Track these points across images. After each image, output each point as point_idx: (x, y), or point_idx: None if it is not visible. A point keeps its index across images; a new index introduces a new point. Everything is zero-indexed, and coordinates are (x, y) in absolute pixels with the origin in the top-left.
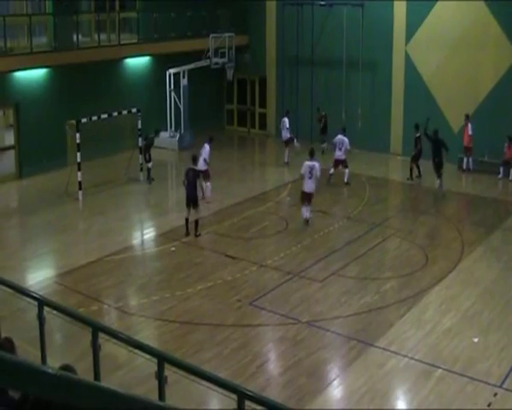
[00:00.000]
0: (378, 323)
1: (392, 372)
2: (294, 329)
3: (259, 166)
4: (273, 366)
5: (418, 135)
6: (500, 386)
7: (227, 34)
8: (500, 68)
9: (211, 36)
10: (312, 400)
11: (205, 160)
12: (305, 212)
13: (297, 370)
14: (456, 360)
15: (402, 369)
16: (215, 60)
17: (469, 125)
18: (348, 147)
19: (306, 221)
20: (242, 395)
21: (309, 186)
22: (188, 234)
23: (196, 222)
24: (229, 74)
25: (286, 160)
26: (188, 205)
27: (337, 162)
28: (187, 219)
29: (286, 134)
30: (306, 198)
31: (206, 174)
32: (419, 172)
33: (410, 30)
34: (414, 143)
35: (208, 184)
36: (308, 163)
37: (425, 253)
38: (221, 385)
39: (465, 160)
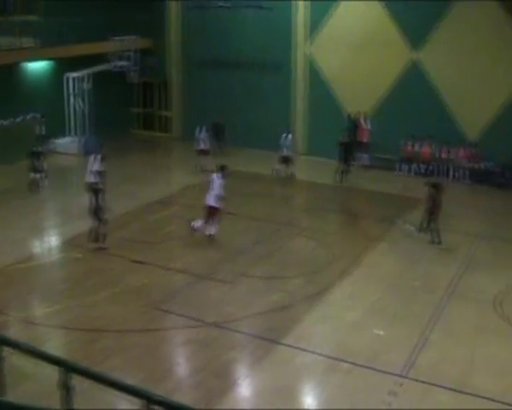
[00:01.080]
0: (285, 320)
1: (299, 369)
2: (203, 331)
3: (165, 170)
4: (181, 368)
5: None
6: (403, 376)
7: (130, 37)
8: (397, 67)
9: (113, 39)
10: (221, 400)
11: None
12: (208, 227)
13: (206, 371)
14: (361, 353)
15: (309, 365)
16: (118, 63)
17: (367, 120)
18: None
19: (209, 236)
20: (150, 400)
21: (208, 199)
22: (95, 241)
23: (104, 235)
24: (134, 77)
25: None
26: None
27: (284, 159)
28: (92, 229)
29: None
30: (207, 212)
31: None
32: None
33: (313, 31)
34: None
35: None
36: (213, 176)
37: (330, 250)
38: (128, 391)
39: (360, 155)
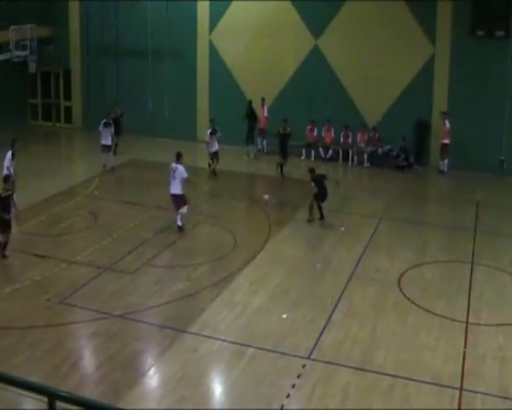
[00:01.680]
0: (190, 309)
1: (206, 356)
2: (107, 323)
3: (67, 161)
4: (87, 362)
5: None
6: (308, 357)
7: (29, 25)
8: (299, 54)
9: (11, 28)
10: (128, 392)
11: (7, 168)
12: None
13: (111, 364)
14: (266, 338)
15: (215, 352)
16: (16, 53)
17: (265, 107)
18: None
19: (178, 227)
20: (53, 396)
21: (172, 187)
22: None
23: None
24: (32, 67)
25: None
26: None
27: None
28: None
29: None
30: (173, 201)
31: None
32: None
33: (214, 19)
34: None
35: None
36: (172, 165)
37: (234, 236)
38: (30, 388)
39: (259, 141)
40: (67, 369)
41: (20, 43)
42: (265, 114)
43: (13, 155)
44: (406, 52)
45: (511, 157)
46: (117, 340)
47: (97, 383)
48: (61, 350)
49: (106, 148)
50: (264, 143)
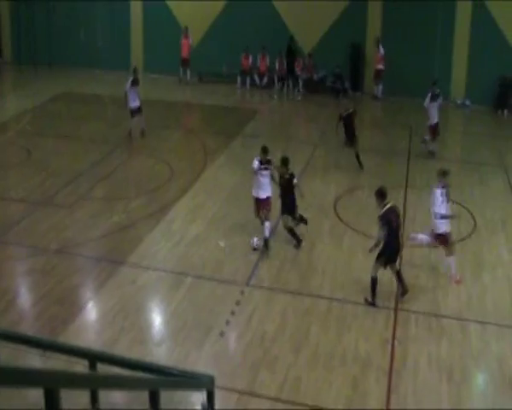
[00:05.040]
0: (128, 241)
1: (144, 287)
2: (43, 259)
3: None
4: (23, 299)
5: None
6: (246, 284)
7: None
8: None
9: None
10: (66, 326)
11: None
12: None
13: (49, 299)
14: (204, 266)
15: (154, 282)
16: None
17: (189, 37)
18: None
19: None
20: None
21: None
22: None
23: None
24: None
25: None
26: None
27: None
28: None
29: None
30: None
31: None
32: None
33: None
34: None
35: None
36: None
37: (170, 167)
38: None
39: (181, 71)
40: (4, 306)
41: None
42: (190, 42)
43: None
44: None
45: (443, 82)
46: (54, 275)
47: (36, 319)
48: None
49: (136, 110)
50: (188, 72)
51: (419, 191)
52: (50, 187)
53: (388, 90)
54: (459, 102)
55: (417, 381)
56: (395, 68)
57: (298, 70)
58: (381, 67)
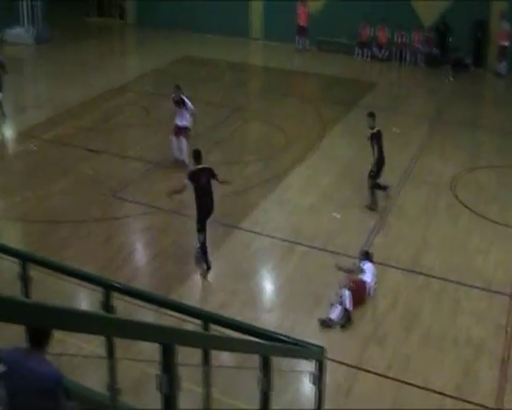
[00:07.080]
0: (242, 205)
1: (256, 252)
2: (159, 217)
3: (119, 56)
4: (139, 255)
5: None
6: (357, 257)
7: None
8: None
9: None
10: (180, 284)
11: None
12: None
13: (163, 257)
14: (316, 236)
15: (266, 248)
16: None
17: (307, 5)
18: None
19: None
20: (108, 287)
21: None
22: None
23: None
24: None
25: None
26: None
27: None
28: None
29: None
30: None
31: None
32: None
33: None
34: None
35: None
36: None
37: (285, 134)
38: (85, 279)
39: (297, 39)
40: (120, 262)
41: None
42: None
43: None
44: None
45: None
46: (169, 234)
47: (150, 276)
48: (114, 243)
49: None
50: (306, 40)
51: None
52: (168, 148)
53: None
54: None
55: None
56: None
57: (417, 43)
58: (505, 43)
